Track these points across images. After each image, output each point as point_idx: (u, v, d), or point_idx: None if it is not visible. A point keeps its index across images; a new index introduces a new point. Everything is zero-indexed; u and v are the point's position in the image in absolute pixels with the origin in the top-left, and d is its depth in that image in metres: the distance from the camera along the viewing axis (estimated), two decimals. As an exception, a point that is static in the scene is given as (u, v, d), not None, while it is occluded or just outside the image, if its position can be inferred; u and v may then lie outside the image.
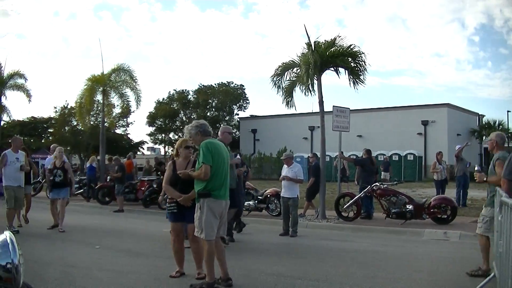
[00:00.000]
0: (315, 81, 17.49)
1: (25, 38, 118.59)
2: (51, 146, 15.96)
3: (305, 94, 17.92)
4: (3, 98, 36.28)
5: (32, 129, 60.40)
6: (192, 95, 64.70)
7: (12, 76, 35.84)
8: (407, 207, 15.09)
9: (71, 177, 14.79)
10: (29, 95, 35.90)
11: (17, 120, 55.39)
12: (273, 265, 9.54)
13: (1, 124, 38.75)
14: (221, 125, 61.19)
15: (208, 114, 61.51)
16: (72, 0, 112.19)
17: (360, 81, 17.97)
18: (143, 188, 21.68)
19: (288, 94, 18.78)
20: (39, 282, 7.44)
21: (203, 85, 65.08)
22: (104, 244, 11.60)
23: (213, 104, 64.07)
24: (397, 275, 8.79)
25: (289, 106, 19.09)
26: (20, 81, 36.07)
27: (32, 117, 60.14)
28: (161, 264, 9.38)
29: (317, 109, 18.64)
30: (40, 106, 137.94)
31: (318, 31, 64.53)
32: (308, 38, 17.91)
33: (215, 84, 65.66)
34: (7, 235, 2.05)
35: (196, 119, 45.33)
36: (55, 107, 59.16)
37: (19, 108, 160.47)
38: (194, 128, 7.87)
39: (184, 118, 63.42)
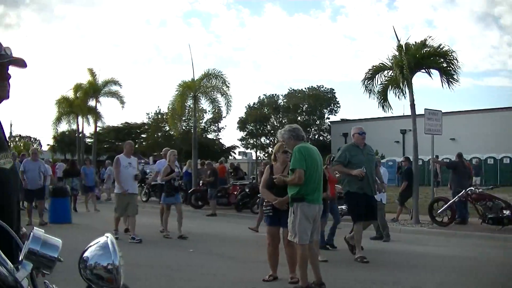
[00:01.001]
0: (407, 83, 17.22)
1: (118, 46, 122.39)
2: (163, 150, 15.98)
3: (398, 97, 17.68)
4: (98, 105, 37.56)
5: (126, 134, 62.03)
6: (282, 100, 64.79)
7: (106, 83, 37.06)
8: (504, 212, 14.47)
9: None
10: (122, 102, 37.03)
11: (112, 126, 57.15)
12: (365, 270, 9.41)
13: (97, 129, 40.05)
14: (312, 129, 61.39)
15: (299, 118, 61.34)
16: (162, 8, 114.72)
17: (454, 80, 17.54)
18: (235, 192, 21.89)
19: (383, 97, 18.55)
20: (139, 283, 7.62)
21: (293, 89, 65.12)
22: (197, 248, 11.75)
23: (304, 108, 63.90)
24: (501, 283, 8.48)
25: (385, 109, 18.87)
26: (114, 88, 37.27)
27: (126, 122, 61.87)
28: (254, 268, 9.41)
29: (408, 112, 18.31)
30: (134, 112, 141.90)
31: (407, 33, 63.82)
32: (398, 40, 17.68)
33: (305, 88, 65.53)
34: (108, 237, 2.09)
35: (287, 123, 45.41)
36: (148, 113, 60.60)
37: (113, 114, 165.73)
38: (287, 133, 7.89)
39: (275, 122, 63.55)
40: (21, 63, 2.75)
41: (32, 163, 16.11)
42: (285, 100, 64.31)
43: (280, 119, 63.03)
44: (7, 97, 2.84)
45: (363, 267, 9.66)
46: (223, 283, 8.33)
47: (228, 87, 30.50)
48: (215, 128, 55.98)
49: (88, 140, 50.94)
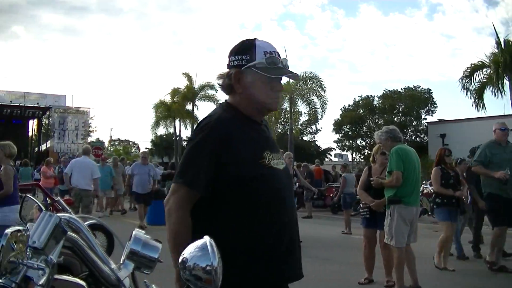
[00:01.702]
0: (506, 81, 16.59)
1: (213, 51, 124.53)
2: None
3: (495, 95, 17.08)
4: (195, 109, 38.30)
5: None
6: (378, 101, 63.93)
7: (203, 87, 37.77)
8: None
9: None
10: (218, 105, 37.54)
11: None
12: (467, 276, 9.13)
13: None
14: (409, 130, 60.23)
15: (395, 119, 60.35)
16: (257, 12, 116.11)
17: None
18: (331, 195, 21.80)
19: (478, 96, 17.98)
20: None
21: (389, 90, 64.08)
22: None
23: (400, 109, 62.80)
24: None
25: (478, 109, 18.30)
26: (210, 92, 37.91)
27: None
28: (349, 271, 9.34)
29: (509, 111, 17.68)
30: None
31: (508, 29, 60.76)
32: (497, 36, 17.14)
33: (401, 88, 64.39)
34: (206, 239, 2.14)
35: (383, 125, 44.77)
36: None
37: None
38: (384, 134, 7.80)
39: (370, 124, 62.85)
40: (295, 77, 2.96)
41: (142, 167, 15.87)
42: (380, 101, 63.37)
43: (376, 120, 62.24)
44: (276, 108, 3.04)
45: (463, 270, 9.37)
46: (317, 286, 8.30)
47: (324, 89, 30.51)
48: (311, 130, 56.03)
49: (185, 143, 52.01)
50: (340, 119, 63.91)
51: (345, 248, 12.27)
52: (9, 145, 8.26)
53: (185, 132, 45.91)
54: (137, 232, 2.12)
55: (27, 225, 1.95)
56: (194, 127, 2.69)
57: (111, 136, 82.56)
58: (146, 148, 72.23)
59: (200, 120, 2.70)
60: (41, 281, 1.71)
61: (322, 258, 10.88)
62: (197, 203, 2.61)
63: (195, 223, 2.59)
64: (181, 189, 2.60)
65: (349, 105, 65.32)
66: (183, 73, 38.65)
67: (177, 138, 39.59)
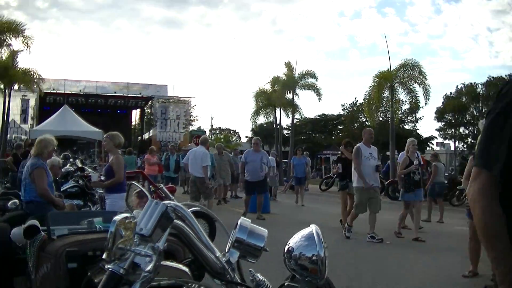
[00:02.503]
0: None
1: (313, 39, 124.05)
2: (408, 140, 13.22)
3: None
4: (295, 97, 38.22)
5: (323, 126, 62.84)
6: (481, 88, 61.67)
7: (303, 76, 37.60)
8: None
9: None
10: (319, 94, 37.36)
11: (308, 118, 57.95)
12: None
13: (294, 121, 40.77)
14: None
15: (501, 106, 57.87)
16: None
17: None
18: (432, 184, 21.25)
19: None
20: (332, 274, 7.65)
21: (493, 77, 61.61)
22: (394, 240, 11.52)
23: (507, 96, 60.22)
24: None
25: None
26: (310, 80, 37.70)
27: (323, 114, 62.54)
28: (453, 262, 9.11)
29: None
30: (329, 104, 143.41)
31: None
32: None
33: (505, 75, 61.70)
34: (313, 228, 2.09)
35: (487, 112, 43.19)
36: (343, 105, 60.80)
37: (309, 106, 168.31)
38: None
39: (474, 112, 60.80)
40: None
41: (254, 154, 15.23)
42: (484, 89, 61.09)
43: (480, 108, 60.08)
44: None
45: None
46: (421, 277, 8.11)
47: (425, 77, 29.71)
48: (412, 119, 54.81)
49: (285, 131, 52.16)
50: (442, 107, 62.21)
51: (450, 238, 11.92)
52: (117, 135, 8.53)
53: (286, 120, 46.03)
54: (243, 220, 2.10)
55: (133, 212, 1.97)
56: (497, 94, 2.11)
57: (212, 125, 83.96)
58: (246, 137, 73.28)
59: (503, 85, 2.14)
60: (148, 268, 1.73)
61: (425, 247, 10.64)
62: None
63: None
64: (482, 174, 2.06)
65: (451, 93, 63.48)
66: (284, 63, 38.69)
67: (278, 127, 39.65)
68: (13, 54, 30.70)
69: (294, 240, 2.16)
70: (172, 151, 18.72)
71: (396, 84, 30.14)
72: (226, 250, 2.07)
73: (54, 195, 7.64)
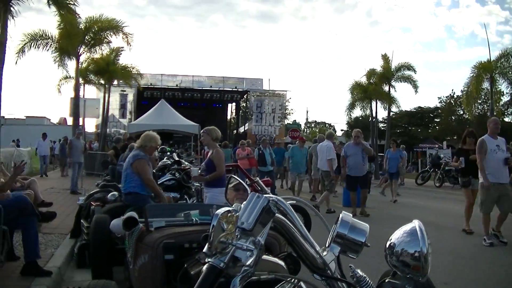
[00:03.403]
0: None
1: (409, 30, 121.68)
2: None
3: None
4: (391, 90, 37.67)
5: (419, 119, 61.66)
6: None
7: (400, 68, 37.06)
8: None
9: None
10: (415, 86, 36.74)
11: (404, 111, 57.04)
12: None
13: (390, 114, 40.16)
14: None
15: None
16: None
17: None
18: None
19: None
20: (432, 271, 7.45)
21: None
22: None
23: None
24: None
25: None
26: (407, 72, 37.09)
27: (419, 107, 61.42)
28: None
29: None
30: (426, 96, 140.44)
31: None
32: None
33: None
34: (416, 223, 2.03)
35: None
36: (439, 97, 59.45)
37: (406, 98, 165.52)
38: None
39: None
40: None
41: (354, 147, 14.36)
42: None
43: None
44: None
45: None
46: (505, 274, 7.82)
47: (529, 66, 28.63)
48: (512, 111, 52.87)
49: (381, 125, 51.51)
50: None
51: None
52: (214, 129, 8.65)
53: (382, 113, 45.42)
54: (344, 214, 2.06)
55: (233, 205, 1.97)
56: None
57: (307, 118, 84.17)
58: (341, 130, 72.90)
59: None
60: (249, 262, 1.71)
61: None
62: None
63: None
64: None
65: (556, 84, 60.80)
66: (381, 54, 38.25)
67: (373, 120, 39.15)
68: (116, 51, 31.80)
69: (396, 236, 2.11)
70: (264, 145, 18.71)
71: (496, 75, 29.20)
72: (327, 245, 2.04)
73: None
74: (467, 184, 11.78)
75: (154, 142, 7.92)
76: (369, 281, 2.07)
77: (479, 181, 10.69)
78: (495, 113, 30.71)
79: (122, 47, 31.48)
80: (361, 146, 14.32)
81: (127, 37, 29.07)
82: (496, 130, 10.98)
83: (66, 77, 31.03)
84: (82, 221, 8.54)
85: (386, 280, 2.27)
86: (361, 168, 14.32)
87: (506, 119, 53.56)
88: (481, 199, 10.55)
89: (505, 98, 36.26)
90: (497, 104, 32.40)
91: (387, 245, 2.12)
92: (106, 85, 33.53)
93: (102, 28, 28.33)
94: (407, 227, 2.12)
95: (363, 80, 38.64)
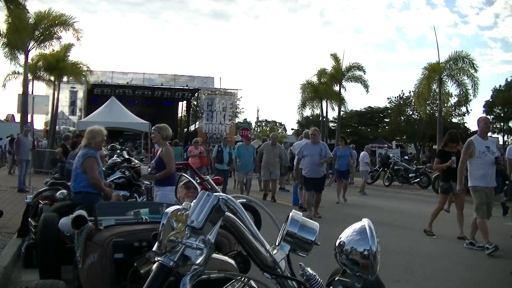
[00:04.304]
0: None
1: (361, 31, 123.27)
2: None
3: None
4: (342, 90, 38.05)
5: (369, 119, 62.46)
6: (533, 81, 60.37)
7: (350, 68, 37.47)
8: None
9: None
10: (366, 86, 37.18)
11: (355, 110, 57.72)
12: None
13: (340, 114, 40.55)
14: None
15: (553, 100, 56.67)
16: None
17: None
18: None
19: None
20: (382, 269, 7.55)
21: (545, 70, 60.14)
22: (443, 234, 11.34)
23: (558, 89, 58.86)
24: None
25: None
26: (358, 73, 37.55)
27: (369, 107, 62.20)
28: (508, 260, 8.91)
29: None
30: (376, 96, 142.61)
31: None
32: None
33: (560, 68, 60.16)
34: (365, 222, 2.05)
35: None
36: (389, 98, 60.34)
37: (356, 98, 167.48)
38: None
39: (525, 106, 59.67)
40: None
41: (312, 147, 13.56)
42: (535, 81, 59.79)
43: (530, 101, 58.90)
44: None
45: None
46: (472, 273, 7.97)
47: (475, 69, 29.33)
48: (460, 112, 54.01)
49: (331, 124, 51.98)
50: (491, 100, 61.18)
51: (503, 235, 11.68)
52: (165, 127, 8.62)
53: (332, 113, 45.81)
54: (294, 213, 2.07)
55: (183, 204, 1.95)
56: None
57: (258, 117, 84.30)
58: (292, 129, 73.28)
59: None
60: (199, 260, 1.70)
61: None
62: None
63: None
64: None
65: (500, 86, 62.43)
66: (330, 54, 38.56)
67: (324, 120, 39.44)
68: (66, 48, 31.32)
69: (346, 234, 2.13)
70: (225, 143, 18.52)
71: (445, 77, 29.81)
72: (277, 244, 2.04)
73: (104, 184, 7.79)
74: (447, 190, 11.21)
75: (99, 136, 7.83)
76: (319, 279, 2.07)
77: (468, 185, 10.21)
78: (443, 114, 31.35)
79: (73, 44, 31.10)
80: (319, 146, 13.58)
81: (77, 33, 28.69)
82: (486, 130, 10.50)
83: (14, 73, 30.54)
84: (29, 220, 8.37)
85: (336, 278, 2.29)
86: (318, 169, 13.53)
87: (454, 120, 54.71)
88: (476, 204, 9.86)
89: (452, 100, 36.99)
90: (445, 105, 33.02)
91: (337, 244, 2.14)
92: (56, 82, 33.01)
93: (52, 24, 27.88)
94: (356, 225, 2.14)
95: (314, 79, 38.94)
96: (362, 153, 23.29)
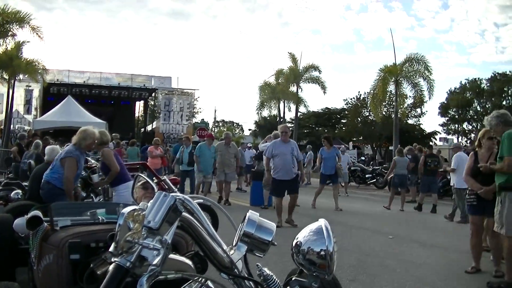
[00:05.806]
0: None
1: (319, 32, 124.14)
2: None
3: None
4: (299, 90, 38.24)
5: (326, 119, 62.81)
6: (486, 84, 61.54)
7: (307, 69, 37.67)
8: None
9: None
10: (324, 87, 37.44)
11: (312, 111, 58.02)
12: None
13: (298, 115, 40.73)
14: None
15: (504, 103, 57.89)
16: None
17: None
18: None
19: None
20: (338, 268, 7.60)
21: (498, 73, 61.45)
22: (397, 234, 11.52)
23: (509, 92, 60.12)
24: None
25: None
26: (315, 73, 37.80)
27: (326, 108, 62.57)
28: (456, 258, 9.10)
29: None
30: (334, 97, 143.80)
31: None
32: None
33: (509, 71, 61.54)
34: (322, 222, 2.07)
35: (491, 108, 43.12)
36: (345, 99, 60.97)
37: (314, 99, 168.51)
38: (494, 119, 7.44)
39: (478, 107, 60.81)
40: None
41: (283, 145, 12.23)
42: (488, 85, 60.98)
43: (484, 104, 60.07)
44: None
45: None
46: (422, 271, 8.09)
47: (430, 71, 29.87)
48: (415, 114, 54.78)
49: (289, 125, 52.04)
50: (446, 102, 62.24)
51: (452, 234, 11.93)
52: (104, 133, 8.65)
53: (289, 114, 45.99)
54: (251, 213, 2.08)
55: (140, 204, 1.95)
56: None
57: (215, 117, 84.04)
58: (249, 130, 73.25)
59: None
60: (156, 261, 1.70)
61: (429, 243, 10.66)
62: None
63: None
64: None
65: (455, 88, 63.60)
66: (288, 53, 38.77)
67: (281, 120, 39.59)
68: (19, 45, 30.73)
69: (303, 235, 2.15)
70: (186, 143, 18.04)
71: (401, 79, 30.24)
72: (234, 244, 2.05)
73: (76, 186, 7.77)
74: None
75: (89, 138, 7.82)
76: (276, 279, 2.09)
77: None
78: (399, 115, 31.78)
79: (28, 41, 30.55)
80: (290, 144, 12.35)
81: (35, 31, 28.21)
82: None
83: (-34, 71, 29.91)
84: (-18, 221, 8.22)
85: (293, 278, 2.30)
86: (290, 170, 12.15)
87: (410, 121, 55.45)
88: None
89: (408, 101, 37.54)
90: (401, 107, 33.50)
91: (294, 244, 2.16)
92: (10, 80, 32.42)
93: (7, 21, 27.37)
94: (313, 226, 2.16)
95: (272, 80, 39.07)
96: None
